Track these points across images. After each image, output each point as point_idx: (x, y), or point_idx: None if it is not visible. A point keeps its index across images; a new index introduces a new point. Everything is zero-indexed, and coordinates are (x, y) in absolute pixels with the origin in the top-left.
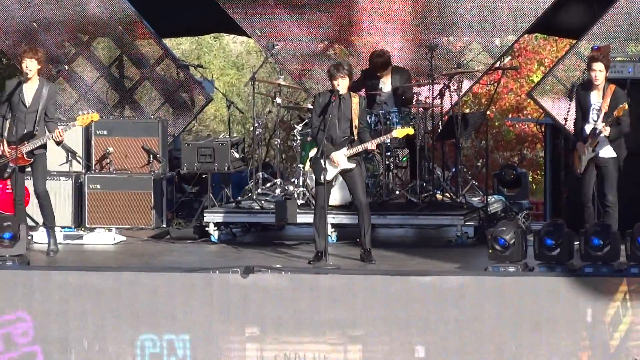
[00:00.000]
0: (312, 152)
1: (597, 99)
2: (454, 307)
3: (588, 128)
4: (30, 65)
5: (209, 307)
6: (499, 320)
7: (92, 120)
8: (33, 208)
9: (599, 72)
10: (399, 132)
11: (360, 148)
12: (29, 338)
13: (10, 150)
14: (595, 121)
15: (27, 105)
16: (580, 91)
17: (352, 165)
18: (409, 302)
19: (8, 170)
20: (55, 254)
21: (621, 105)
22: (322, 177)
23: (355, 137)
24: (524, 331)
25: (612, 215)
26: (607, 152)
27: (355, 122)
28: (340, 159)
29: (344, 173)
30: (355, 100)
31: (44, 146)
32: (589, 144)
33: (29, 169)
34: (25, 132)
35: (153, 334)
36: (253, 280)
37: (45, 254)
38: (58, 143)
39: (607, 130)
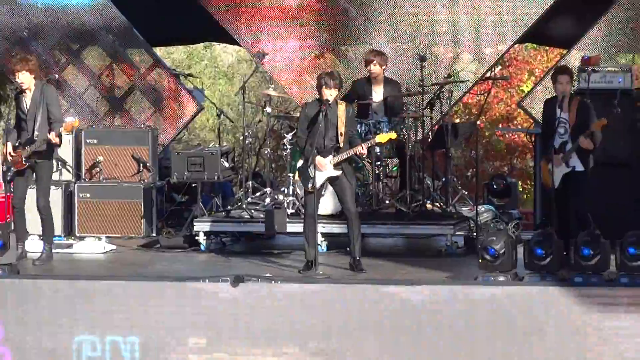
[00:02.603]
0: (300, 163)
1: (563, 113)
2: (444, 317)
3: (556, 142)
4: (22, 78)
5: (163, 313)
6: (489, 330)
7: (73, 126)
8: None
9: (565, 84)
10: (382, 137)
11: (350, 152)
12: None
13: (14, 154)
14: (562, 135)
15: (26, 112)
16: (547, 104)
17: (337, 173)
18: (398, 311)
19: (9, 174)
20: (42, 264)
21: (600, 120)
22: (309, 185)
23: (342, 145)
24: (514, 341)
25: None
26: (578, 166)
27: (342, 129)
28: (326, 163)
29: (332, 181)
30: (341, 108)
31: (47, 155)
32: (561, 158)
33: (33, 178)
34: (27, 138)
35: (93, 336)
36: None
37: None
38: (57, 145)
39: (590, 145)
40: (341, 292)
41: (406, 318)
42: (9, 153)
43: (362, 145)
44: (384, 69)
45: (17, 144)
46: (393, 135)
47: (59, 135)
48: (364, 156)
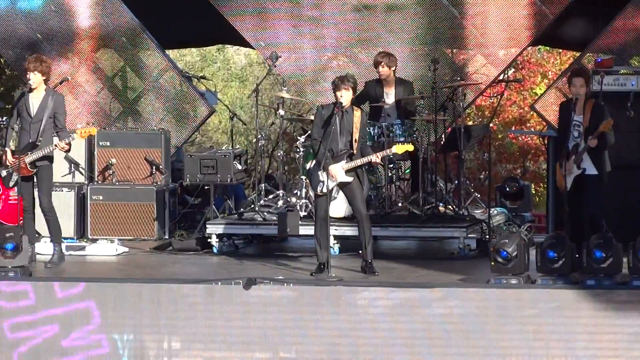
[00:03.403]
0: (310, 164)
1: (577, 115)
2: (456, 319)
3: (570, 145)
4: (33, 78)
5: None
6: (501, 332)
7: (90, 134)
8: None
9: (580, 87)
10: (399, 148)
11: (364, 160)
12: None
13: (14, 160)
14: (576, 137)
15: (32, 115)
16: (563, 107)
17: (349, 179)
18: (412, 314)
19: (13, 179)
20: (54, 266)
21: (607, 120)
22: (319, 188)
23: (355, 151)
24: (525, 343)
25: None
26: (590, 169)
27: (356, 135)
28: (339, 172)
29: (342, 186)
30: (357, 114)
31: (48, 158)
32: (573, 161)
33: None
34: (29, 142)
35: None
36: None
37: (48, 266)
38: (66, 151)
39: (594, 142)
40: (352, 294)
41: (417, 320)
42: (10, 159)
43: (377, 154)
44: (393, 70)
45: (17, 149)
46: (410, 147)
47: (69, 143)
48: (377, 165)
